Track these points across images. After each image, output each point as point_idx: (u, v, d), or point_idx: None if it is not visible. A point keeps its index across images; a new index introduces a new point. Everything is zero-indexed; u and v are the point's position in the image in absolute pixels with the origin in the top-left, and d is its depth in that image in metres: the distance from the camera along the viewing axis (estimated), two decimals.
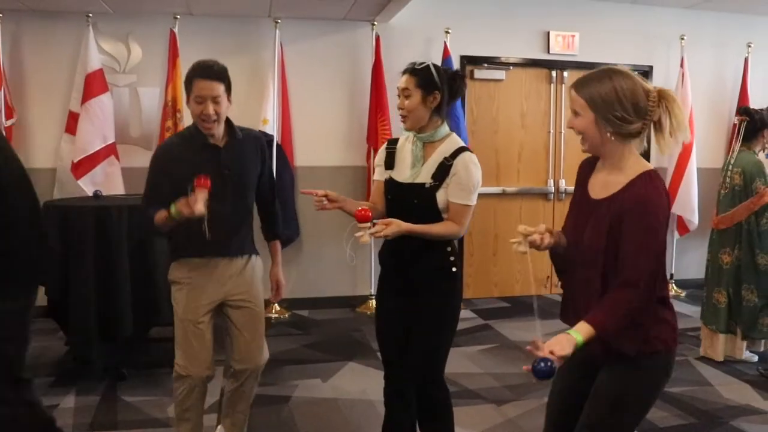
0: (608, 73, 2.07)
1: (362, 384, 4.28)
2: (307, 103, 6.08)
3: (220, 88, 2.79)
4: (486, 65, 6.35)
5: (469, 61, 6.30)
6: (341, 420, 3.79)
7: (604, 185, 2.14)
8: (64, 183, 5.58)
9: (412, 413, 2.85)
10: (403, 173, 2.78)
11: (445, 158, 2.69)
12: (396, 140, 2.91)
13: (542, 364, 1.89)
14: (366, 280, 6.19)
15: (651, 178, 2.05)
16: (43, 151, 5.76)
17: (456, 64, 6.07)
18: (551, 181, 6.59)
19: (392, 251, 2.81)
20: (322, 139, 6.14)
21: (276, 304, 5.81)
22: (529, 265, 2.20)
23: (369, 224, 2.43)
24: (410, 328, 2.77)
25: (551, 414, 2.34)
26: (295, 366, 4.60)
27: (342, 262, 6.18)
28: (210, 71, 2.78)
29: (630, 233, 1.99)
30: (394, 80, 6.06)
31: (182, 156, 2.84)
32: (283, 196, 5.69)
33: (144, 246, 4.24)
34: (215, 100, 2.78)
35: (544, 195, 6.61)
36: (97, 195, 4.84)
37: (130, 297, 4.21)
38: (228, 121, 2.93)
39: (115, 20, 5.75)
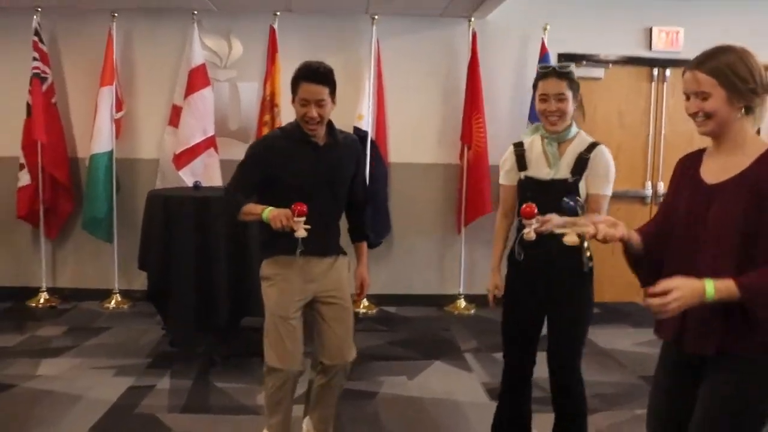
0: (724, 47, 1.98)
1: (449, 384, 4.23)
2: (401, 100, 6.06)
3: (325, 92, 2.82)
4: (584, 63, 6.15)
5: (566, 58, 6.10)
6: (427, 419, 3.75)
7: (722, 168, 2.02)
8: (166, 173, 5.77)
9: (529, 406, 3.07)
10: (542, 171, 2.86)
11: (582, 153, 2.82)
12: (521, 143, 2.98)
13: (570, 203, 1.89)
14: (455, 279, 6.11)
15: None
16: (148, 142, 5.98)
17: (553, 62, 5.89)
18: (649, 184, 6.33)
19: (534, 247, 2.76)
20: (416, 136, 6.11)
21: (364, 299, 5.82)
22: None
23: (534, 220, 2.37)
24: (539, 324, 2.94)
25: (654, 423, 2.18)
26: (381, 362, 4.60)
27: (432, 260, 6.16)
28: (316, 74, 2.81)
29: None
30: (491, 78, 5.98)
31: (282, 149, 2.89)
32: (376, 193, 5.70)
33: (240, 237, 4.32)
34: (319, 104, 2.81)
35: (641, 198, 6.36)
36: (197, 186, 4.97)
37: (227, 287, 4.30)
38: (329, 123, 2.95)
39: (217, 17, 5.89)
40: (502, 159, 3.02)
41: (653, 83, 6.30)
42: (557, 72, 2.81)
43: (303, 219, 2.61)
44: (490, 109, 5.87)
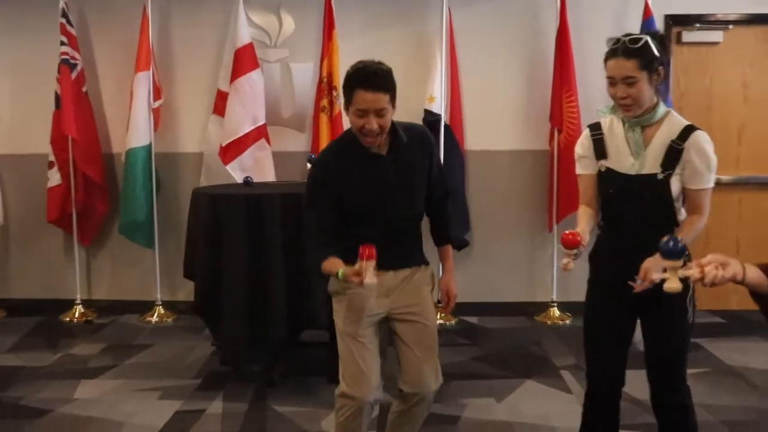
0: None
1: (543, 406, 4.21)
2: (479, 78, 6.05)
3: (385, 99, 2.79)
4: (698, 25, 6.01)
5: (675, 21, 5.99)
6: None
7: None
8: (211, 168, 5.90)
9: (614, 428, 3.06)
10: (624, 163, 2.81)
11: (674, 141, 2.74)
12: (598, 124, 2.93)
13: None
14: (546, 285, 6.08)
15: None
16: (189, 134, 6.13)
17: (659, 26, 5.78)
18: None
19: (621, 252, 2.80)
20: (496, 119, 6.09)
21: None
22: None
23: (576, 251, 2.39)
24: (630, 329, 2.92)
25: None
26: (464, 382, 4.60)
27: (518, 262, 6.14)
28: (374, 81, 2.77)
29: None
30: (583, 49, 5.91)
31: (343, 169, 2.91)
32: (453, 187, 5.70)
33: (299, 239, 4.36)
34: (379, 113, 2.79)
35: None
36: (247, 182, 5.06)
37: (284, 296, 4.35)
38: (391, 125, 2.93)
39: None
40: (577, 144, 2.99)
41: None
42: (625, 49, 2.69)
43: (373, 263, 2.62)
44: (583, 86, 5.80)
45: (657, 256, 2.24)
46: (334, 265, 2.80)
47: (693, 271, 1.98)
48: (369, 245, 2.61)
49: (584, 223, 2.85)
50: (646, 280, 2.33)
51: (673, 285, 2.04)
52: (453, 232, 3.32)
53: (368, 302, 2.97)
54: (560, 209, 5.86)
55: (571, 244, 2.45)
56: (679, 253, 1.97)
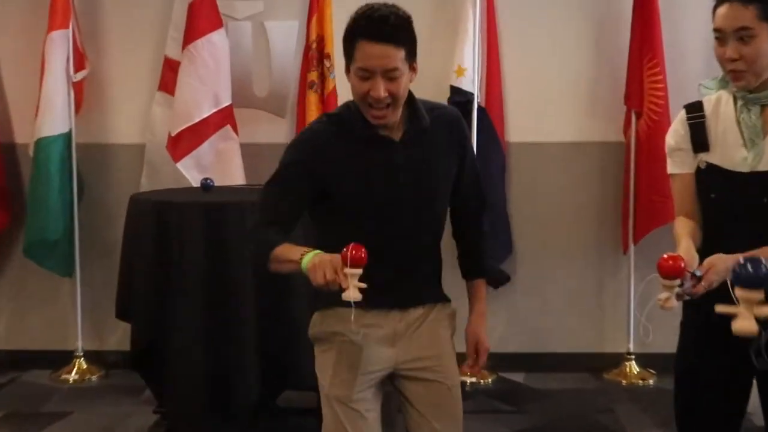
0: None
1: None
2: (525, 44, 6.07)
3: (398, 56, 2.73)
4: None
5: None
6: None
7: None
8: (156, 166, 5.89)
9: None
10: (733, 157, 2.77)
11: None
12: (699, 104, 2.90)
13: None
14: (620, 329, 6.08)
15: None
16: (126, 118, 6.14)
17: None
18: None
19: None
20: (549, 100, 6.10)
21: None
22: None
23: (679, 281, 2.37)
24: (742, 399, 2.90)
25: None
26: None
27: (580, 298, 6.14)
28: (383, 29, 2.71)
29: None
30: (672, 1, 5.82)
31: (335, 152, 2.84)
32: (489, 194, 5.67)
33: None
34: (390, 75, 2.73)
35: None
36: (206, 186, 5.05)
37: (256, 344, 4.34)
38: (410, 99, 2.91)
39: None
40: (670, 131, 2.98)
41: None
42: None
43: (359, 272, 2.50)
44: (674, 51, 5.84)
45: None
46: (291, 251, 2.67)
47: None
48: (357, 245, 2.51)
49: (686, 241, 2.76)
50: (704, 280, 2.33)
51: (744, 325, 2.07)
52: (489, 261, 3.25)
53: (368, 353, 2.92)
54: (640, 223, 5.85)
55: (672, 273, 2.38)
56: (760, 281, 1.93)
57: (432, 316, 3.02)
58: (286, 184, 2.88)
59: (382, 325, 2.93)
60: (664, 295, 2.41)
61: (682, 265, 2.39)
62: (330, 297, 2.79)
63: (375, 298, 2.74)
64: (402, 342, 2.97)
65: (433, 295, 3.04)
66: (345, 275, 2.47)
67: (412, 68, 2.81)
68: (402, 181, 2.87)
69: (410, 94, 2.90)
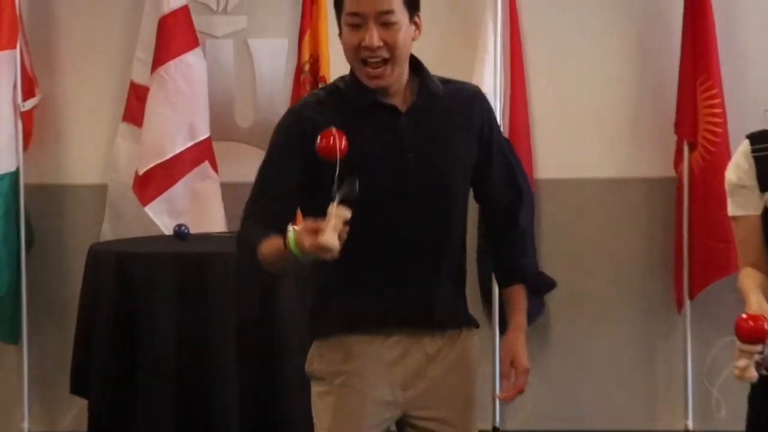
0: None
1: None
2: (555, 63, 6.12)
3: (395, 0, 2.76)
4: None
5: None
6: None
7: None
8: (120, 211, 5.91)
9: None
10: None
11: None
12: (764, 133, 2.92)
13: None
14: (674, 401, 6.07)
15: None
16: (84, 154, 6.17)
17: None
18: None
19: None
20: (585, 131, 6.14)
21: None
22: None
23: (761, 346, 2.40)
24: None
25: None
26: None
27: (625, 365, 6.13)
28: None
29: None
30: (732, 11, 5.92)
31: (329, 126, 2.68)
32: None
33: (267, 323, 4.42)
34: (385, 20, 2.73)
35: None
36: (180, 234, 5.11)
37: (237, 419, 4.35)
38: (415, 64, 2.92)
39: None
40: (730, 166, 3.01)
41: None
42: None
43: (347, 215, 2.38)
44: (732, 72, 5.86)
45: None
46: (276, 240, 2.58)
47: None
48: (335, 132, 2.51)
49: (757, 296, 2.75)
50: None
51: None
52: (530, 261, 3.25)
53: (374, 394, 2.90)
54: (696, 275, 5.84)
55: (755, 336, 2.41)
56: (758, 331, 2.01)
57: (457, 351, 2.97)
58: (276, 168, 2.89)
59: (390, 355, 2.89)
60: (742, 362, 2.43)
61: (766, 327, 2.40)
62: (332, 320, 2.89)
63: (381, 318, 2.81)
64: (418, 383, 2.91)
65: (457, 318, 2.99)
66: (329, 213, 2.38)
67: (415, 23, 2.82)
68: (410, 162, 2.83)
69: (418, 61, 2.92)
